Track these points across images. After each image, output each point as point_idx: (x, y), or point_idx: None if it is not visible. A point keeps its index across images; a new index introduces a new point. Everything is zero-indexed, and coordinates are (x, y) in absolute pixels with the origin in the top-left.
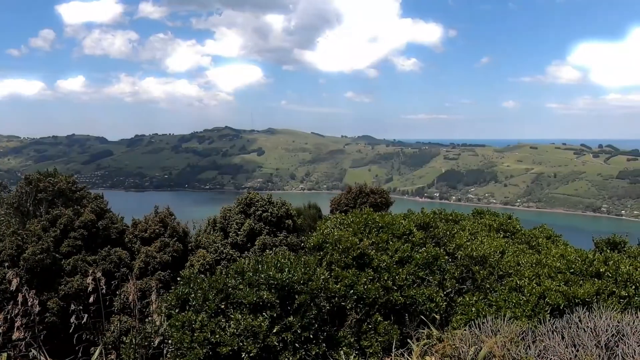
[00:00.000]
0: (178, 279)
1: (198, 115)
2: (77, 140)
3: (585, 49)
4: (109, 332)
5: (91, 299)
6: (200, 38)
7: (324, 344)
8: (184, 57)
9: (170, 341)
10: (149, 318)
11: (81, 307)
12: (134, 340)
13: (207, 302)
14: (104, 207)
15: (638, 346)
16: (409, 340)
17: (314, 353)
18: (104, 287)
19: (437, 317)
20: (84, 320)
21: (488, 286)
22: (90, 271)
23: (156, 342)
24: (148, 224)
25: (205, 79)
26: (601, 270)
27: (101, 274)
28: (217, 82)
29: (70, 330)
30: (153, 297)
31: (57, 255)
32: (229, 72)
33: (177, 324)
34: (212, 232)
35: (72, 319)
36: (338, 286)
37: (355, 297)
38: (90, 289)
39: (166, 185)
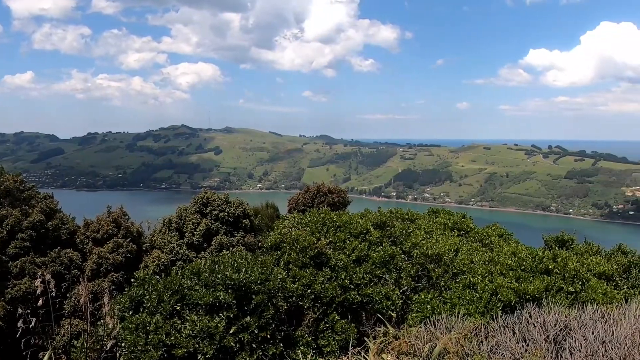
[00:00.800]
0: (132, 280)
1: (153, 113)
2: (26, 138)
3: (536, 53)
4: (59, 336)
5: (40, 302)
6: (156, 35)
7: (281, 344)
8: (139, 54)
9: (123, 344)
10: (101, 321)
11: (29, 311)
12: (85, 344)
13: (162, 304)
14: (53, 207)
15: (584, 340)
16: (365, 338)
17: (271, 353)
18: (53, 289)
19: (394, 315)
20: (32, 324)
21: (443, 284)
22: (39, 273)
23: (109, 345)
24: (100, 224)
25: (161, 77)
26: (550, 267)
27: (51, 276)
28: (173, 80)
29: (18, 335)
30: (106, 299)
31: (3, 257)
32: (185, 69)
33: (130, 326)
34: (167, 233)
35: (20, 323)
36: (295, 286)
37: (313, 296)
38: (39, 291)
39: (120, 184)
